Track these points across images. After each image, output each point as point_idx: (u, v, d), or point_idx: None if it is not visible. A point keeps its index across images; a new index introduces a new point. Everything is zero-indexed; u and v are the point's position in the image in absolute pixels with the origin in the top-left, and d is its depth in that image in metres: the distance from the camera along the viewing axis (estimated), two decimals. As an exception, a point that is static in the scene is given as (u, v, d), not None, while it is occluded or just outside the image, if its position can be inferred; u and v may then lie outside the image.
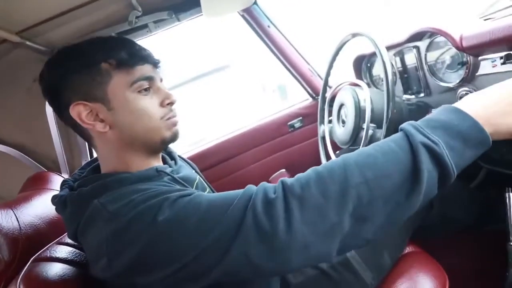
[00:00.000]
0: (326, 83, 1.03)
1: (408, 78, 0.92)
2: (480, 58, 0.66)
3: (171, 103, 0.56)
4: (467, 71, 0.68)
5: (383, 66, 0.67)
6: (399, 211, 0.40)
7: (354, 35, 0.79)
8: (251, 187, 0.44)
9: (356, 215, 0.39)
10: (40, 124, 0.88)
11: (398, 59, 0.91)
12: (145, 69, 0.53)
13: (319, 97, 1.07)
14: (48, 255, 0.57)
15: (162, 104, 0.55)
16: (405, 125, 0.42)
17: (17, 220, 0.57)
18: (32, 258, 0.55)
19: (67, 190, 0.54)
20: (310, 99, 1.37)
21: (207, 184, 0.73)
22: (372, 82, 1.12)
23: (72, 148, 0.98)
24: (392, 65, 0.92)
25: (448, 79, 0.76)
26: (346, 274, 0.67)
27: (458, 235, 0.85)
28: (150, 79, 0.54)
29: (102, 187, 0.49)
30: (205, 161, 1.30)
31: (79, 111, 0.51)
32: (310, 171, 0.43)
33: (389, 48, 0.89)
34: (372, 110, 0.77)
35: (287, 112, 1.37)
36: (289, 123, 1.36)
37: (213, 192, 0.74)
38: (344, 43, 0.88)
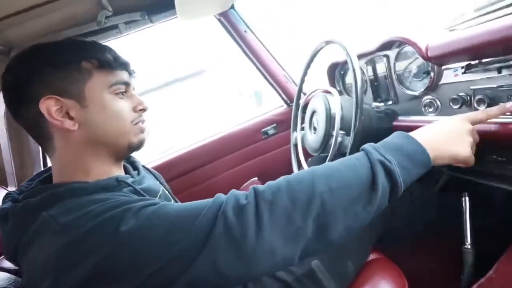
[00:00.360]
0: (300, 90, 1.04)
1: (378, 86, 0.95)
2: (443, 67, 0.69)
3: (143, 110, 0.58)
4: (431, 80, 0.72)
5: (353, 73, 0.68)
6: (356, 219, 0.45)
7: (328, 43, 0.80)
8: (220, 196, 0.45)
9: (319, 221, 0.43)
10: None
11: (370, 67, 0.94)
12: (123, 75, 0.56)
13: (293, 104, 1.07)
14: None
15: (134, 109, 0.57)
16: (366, 145, 0.49)
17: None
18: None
19: (10, 203, 0.49)
20: (285, 106, 1.38)
21: (171, 196, 0.70)
22: (345, 90, 1.15)
23: (24, 157, 0.88)
24: (363, 72, 0.95)
25: (414, 87, 0.79)
26: (310, 285, 0.65)
27: (420, 241, 0.87)
28: (126, 84, 0.56)
29: (53, 197, 0.46)
30: (173, 170, 1.25)
31: (48, 106, 0.49)
32: (281, 179, 0.46)
33: (360, 56, 0.92)
34: (342, 118, 0.78)
35: (261, 119, 1.37)
36: (262, 130, 1.36)
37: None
38: (318, 51, 0.89)
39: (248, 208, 0.42)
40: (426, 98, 0.75)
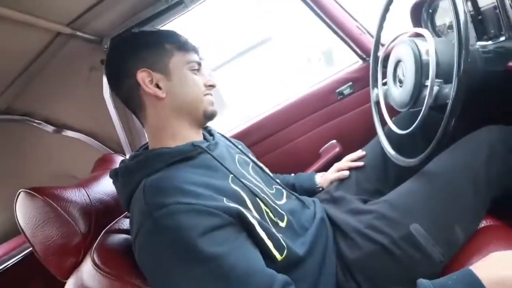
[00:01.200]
0: (378, 40, 0.91)
1: (482, 21, 0.76)
2: None
3: (212, 85, 0.69)
4: None
5: (453, 3, 0.55)
6: None
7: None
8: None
9: None
10: (101, 109, 0.97)
11: (469, 2, 0.76)
12: (195, 56, 0.67)
13: (371, 58, 0.96)
14: (117, 228, 0.63)
15: (205, 84, 0.67)
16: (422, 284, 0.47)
17: (88, 197, 0.64)
18: (104, 230, 0.61)
19: (121, 165, 0.62)
20: (360, 62, 1.25)
21: (253, 162, 0.76)
22: (436, 33, 0.96)
23: (132, 130, 1.06)
24: (465, 2, 0.76)
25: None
26: (411, 250, 0.60)
27: None
28: (199, 64, 0.68)
29: (144, 161, 0.58)
30: (253, 136, 1.28)
31: (143, 77, 0.61)
32: None
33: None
34: (438, 63, 0.65)
35: (335, 79, 1.26)
36: (337, 90, 1.26)
37: (259, 166, 0.76)
38: None
39: None
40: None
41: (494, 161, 0.63)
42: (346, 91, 1.26)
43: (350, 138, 1.26)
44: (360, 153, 0.92)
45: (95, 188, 0.68)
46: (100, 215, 0.64)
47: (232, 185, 0.58)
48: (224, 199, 0.53)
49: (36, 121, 0.95)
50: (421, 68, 0.70)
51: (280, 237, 0.57)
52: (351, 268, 0.63)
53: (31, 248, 0.60)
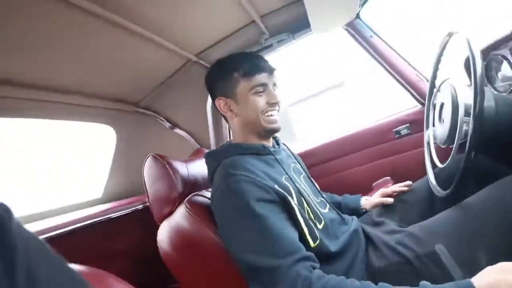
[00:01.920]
0: (432, 86, 1.02)
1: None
2: None
3: (274, 103, 0.80)
4: None
5: (472, 61, 0.67)
6: None
7: (450, 35, 0.82)
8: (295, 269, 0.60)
9: None
10: (202, 117, 1.32)
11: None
12: (261, 77, 0.79)
13: (426, 100, 1.06)
14: (200, 194, 0.88)
15: (267, 103, 0.80)
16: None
17: (187, 170, 0.92)
18: (191, 194, 0.87)
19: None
20: (419, 106, 1.35)
21: (307, 174, 0.91)
22: (489, 81, 1.04)
23: (219, 134, 1.38)
24: (507, 59, 0.86)
25: None
26: (432, 267, 0.64)
27: None
28: (264, 85, 0.79)
29: (226, 148, 0.81)
30: (312, 158, 1.45)
31: (220, 103, 0.83)
32: None
33: (496, 44, 0.85)
34: (466, 105, 0.75)
35: (393, 118, 1.38)
36: (395, 129, 1.37)
37: (309, 178, 0.92)
38: (445, 44, 0.90)
39: None
40: None
41: None
42: (403, 132, 1.36)
43: (403, 177, 1.29)
44: (407, 183, 0.99)
45: (192, 167, 0.96)
46: (191, 183, 0.90)
47: (284, 181, 0.74)
48: (276, 185, 0.69)
49: (161, 118, 1.32)
50: (456, 109, 0.79)
51: (315, 229, 0.70)
52: (376, 275, 0.70)
53: (140, 205, 0.89)
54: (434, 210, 0.81)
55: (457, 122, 0.81)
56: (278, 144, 0.91)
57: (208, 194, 0.90)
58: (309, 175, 0.94)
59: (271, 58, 1.29)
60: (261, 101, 0.79)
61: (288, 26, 1.18)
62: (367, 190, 1.35)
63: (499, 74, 1.01)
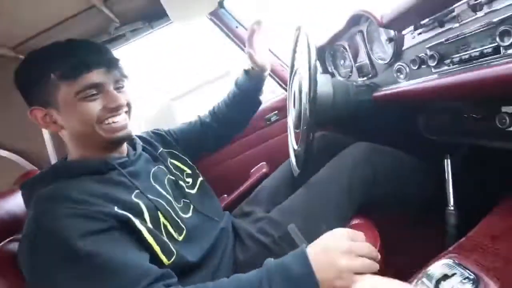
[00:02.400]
0: (291, 75, 1.08)
1: (361, 64, 0.96)
2: (403, 32, 0.70)
3: (115, 108, 0.60)
4: (394, 46, 0.72)
5: (307, 54, 0.70)
6: None
7: (298, 29, 0.84)
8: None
9: None
10: (34, 129, 0.99)
11: (350, 47, 0.96)
12: (91, 77, 0.58)
13: (288, 89, 1.11)
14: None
15: (105, 107, 0.60)
16: (268, 264, 0.52)
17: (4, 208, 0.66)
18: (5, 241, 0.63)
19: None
20: (285, 93, 1.42)
21: (169, 172, 0.77)
22: (337, 70, 1.16)
23: (63, 148, 1.08)
24: (346, 50, 0.96)
25: (385, 56, 0.80)
26: (287, 248, 0.65)
27: (404, 206, 0.84)
28: (97, 86, 0.59)
29: (43, 175, 0.60)
30: None
31: (36, 115, 0.61)
32: None
33: (337, 36, 0.94)
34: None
35: (264, 106, 1.41)
36: (265, 117, 1.41)
37: (197, 172, 0.83)
38: (297, 37, 0.92)
39: None
40: (397, 65, 0.76)
41: (356, 170, 0.75)
42: (273, 118, 1.41)
43: (277, 160, 1.37)
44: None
45: (13, 201, 0.69)
46: (6, 225, 0.65)
47: (134, 199, 0.61)
48: (115, 207, 0.56)
49: None
50: (300, 97, 0.83)
51: (170, 244, 0.61)
52: (241, 269, 0.67)
53: None
54: (296, 190, 0.83)
55: (300, 108, 0.85)
56: (135, 149, 0.74)
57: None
58: (173, 172, 0.79)
59: (124, 50, 1.11)
60: (94, 107, 0.59)
61: (143, 14, 1.01)
62: (246, 178, 1.33)
63: (343, 62, 1.13)
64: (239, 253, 0.72)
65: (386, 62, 0.79)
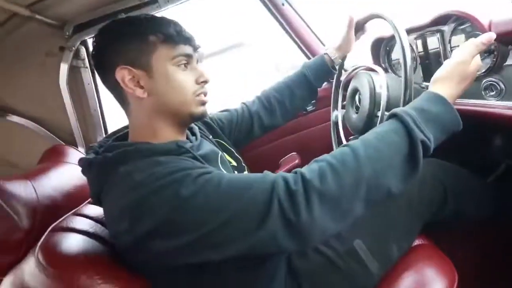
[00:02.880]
0: (341, 67, 0.99)
1: (429, 64, 0.88)
2: (510, 47, 0.62)
3: (205, 82, 0.61)
4: (494, 60, 0.64)
5: (402, 51, 0.63)
6: (398, 190, 0.49)
7: (373, 17, 0.75)
8: (268, 174, 0.50)
9: (367, 200, 0.47)
10: (54, 98, 0.91)
11: (419, 42, 0.86)
12: (186, 48, 0.59)
13: (333, 81, 1.03)
14: (65, 226, 0.60)
15: (197, 81, 0.60)
16: (403, 114, 0.49)
17: (35, 191, 0.60)
18: (49, 228, 0.58)
19: (93, 155, 0.57)
20: (325, 83, 1.33)
21: (235, 158, 0.76)
22: (391, 67, 1.07)
23: (87, 122, 1.01)
24: (413, 49, 0.87)
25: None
26: (353, 263, 0.66)
27: (471, 231, 0.83)
28: (189, 56, 0.59)
29: (124, 154, 0.53)
30: None
31: (123, 75, 0.56)
32: (324, 163, 0.48)
33: (410, 31, 0.84)
34: (388, 97, 0.74)
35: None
36: (301, 106, 1.33)
37: (243, 165, 0.78)
38: (367, 21, 0.83)
39: (298, 194, 0.45)
40: (487, 80, 0.68)
41: (425, 190, 0.73)
42: (309, 108, 1.33)
43: (309, 152, 1.32)
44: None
45: (43, 182, 0.64)
46: (47, 211, 0.60)
47: None
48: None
49: None
50: (374, 100, 0.78)
51: None
52: (299, 276, 0.66)
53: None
54: None
55: (375, 114, 0.79)
56: (194, 134, 0.69)
57: (80, 221, 0.62)
58: (235, 151, 0.80)
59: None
60: (188, 77, 0.59)
61: None
62: (275, 167, 1.29)
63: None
64: (295, 259, 0.69)
65: (474, 74, 0.71)
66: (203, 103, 0.61)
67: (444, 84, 0.54)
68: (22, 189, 0.58)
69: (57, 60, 0.86)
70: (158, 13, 0.96)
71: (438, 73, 0.57)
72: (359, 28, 0.86)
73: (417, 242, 0.73)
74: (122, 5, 0.83)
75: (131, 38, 0.56)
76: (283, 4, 1.14)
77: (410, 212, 0.71)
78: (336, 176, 0.46)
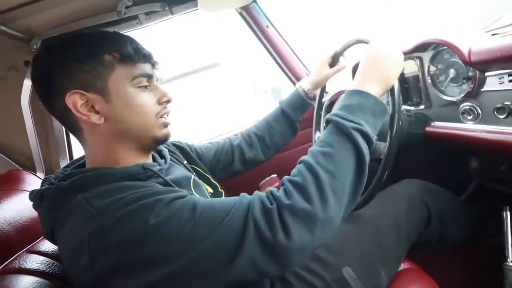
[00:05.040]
0: (323, 89, 0.99)
1: (408, 88, 0.90)
2: (486, 74, 0.64)
3: (168, 101, 0.58)
4: (472, 86, 0.67)
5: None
6: (360, 184, 0.49)
7: (359, 41, 0.76)
8: (245, 196, 0.48)
9: (338, 204, 0.46)
10: (14, 117, 0.81)
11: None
12: (146, 67, 0.55)
13: (315, 102, 1.03)
14: (17, 266, 0.51)
15: (159, 102, 0.56)
16: (331, 117, 0.52)
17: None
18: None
19: (47, 186, 0.51)
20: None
21: (211, 184, 0.73)
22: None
23: (49, 145, 0.91)
24: (403, 74, 0.89)
25: (451, 93, 0.74)
26: None
27: (454, 251, 0.83)
28: (149, 76, 0.55)
29: (82, 181, 0.48)
30: None
31: (74, 100, 0.49)
32: (285, 181, 0.48)
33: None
34: None
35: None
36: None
37: (220, 191, 0.74)
38: (346, 48, 0.84)
39: (273, 214, 0.44)
40: (465, 105, 0.70)
41: (412, 211, 0.72)
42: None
43: (289, 173, 1.31)
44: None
45: None
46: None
47: None
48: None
49: None
50: None
51: None
52: None
53: None
54: None
55: None
56: (163, 157, 0.64)
57: (34, 260, 0.53)
58: (211, 177, 0.76)
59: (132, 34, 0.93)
60: (149, 99, 0.55)
61: None
62: (254, 190, 1.27)
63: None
64: None
65: (453, 99, 0.73)
66: (166, 125, 0.58)
67: (359, 81, 0.57)
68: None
69: (21, 75, 0.78)
70: (133, 31, 0.93)
71: (357, 72, 0.59)
72: (336, 61, 0.88)
73: (403, 266, 0.71)
74: (98, 20, 0.77)
75: (84, 60, 0.50)
76: (267, 26, 1.15)
77: (399, 236, 0.70)
78: (299, 189, 0.45)
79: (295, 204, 0.44)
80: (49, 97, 0.52)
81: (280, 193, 0.46)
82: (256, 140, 0.89)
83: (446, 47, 0.70)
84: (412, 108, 0.89)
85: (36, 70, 0.53)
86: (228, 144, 0.88)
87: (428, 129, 0.81)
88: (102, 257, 0.41)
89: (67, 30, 0.74)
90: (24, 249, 0.56)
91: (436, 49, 0.75)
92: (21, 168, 0.84)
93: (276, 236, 0.42)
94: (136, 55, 0.53)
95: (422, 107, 0.85)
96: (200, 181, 0.69)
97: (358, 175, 0.49)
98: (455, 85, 0.73)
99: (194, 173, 0.71)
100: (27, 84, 0.79)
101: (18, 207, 0.60)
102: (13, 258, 0.53)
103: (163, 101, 0.56)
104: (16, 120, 0.81)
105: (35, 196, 0.51)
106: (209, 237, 0.42)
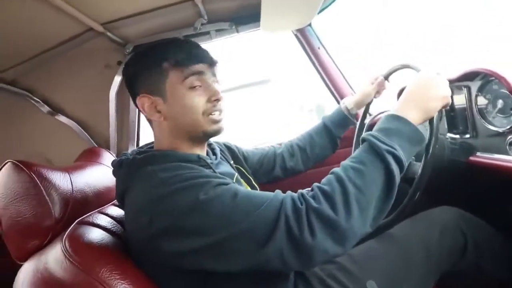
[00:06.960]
0: (366, 110, 1.03)
1: (454, 117, 0.90)
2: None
3: (217, 100, 0.64)
4: (520, 117, 0.66)
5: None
6: (387, 203, 0.52)
7: (408, 67, 0.79)
8: (279, 192, 0.53)
9: (363, 217, 0.49)
10: (102, 106, 1.00)
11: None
12: (198, 67, 0.62)
13: (358, 122, 1.07)
14: (91, 221, 0.63)
15: (209, 100, 0.63)
16: (367, 136, 0.54)
17: (72, 184, 0.64)
18: (77, 220, 0.61)
19: (124, 157, 0.63)
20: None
21: (252, 186, 0.79)
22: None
23: (123, 132, 1.09)
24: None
25: (499, 123, 0.74)
26: None
27: (487, 286, 0.79)
28: (200, 74, 0.62)
29: (152, 157, 0.59)
30: None
31: (143, 102, 0.63)
32: (315, 188, 0.52)
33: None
34: None
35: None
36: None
37: (254, 188, 0.80)
38: (392, 72, 0.88)
39: (303, 213, 0.48)
40: (512, 137, 0.69)
41: (446, 237, 0.71)
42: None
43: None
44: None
45: (80, 177, 0.69)
46: (77, 204, 0.64)
47: None
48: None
49: (35, 98, 0.96)
50: None
51: None
52: None
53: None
54: None
55: None
56: (215, 154, 0.74)
57: (104, 219, 0.65)
58: (253, 180, 0.83)
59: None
60: (200, 99, 0.62)
61: (232, 15, 0.98)
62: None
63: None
64: None
65: (500, 130, 0.73)
66: (215, 121, 0.64)
67: (401, 107, 0.59)
68: (61, 180, 0.62)
69: (113, 72, 0.97)
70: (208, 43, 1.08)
71: (401, 98, 0.61)
72: (380, 84, 0.93)
73: (432, 292, 0.69)
74: (178, 33, 0.94)
75: (150, 67, 0.62)
76: (318, 48, 1.24)
77: (428, 259, 0.69)
78: (326, 196, 0.49)
79: (322, 209, 0.48)
80: (132, 93, 0.66)
81: (309, 196, 0.50)
82: (298, 150, 0.95)
83: (494, 78, 0.70)
84: (458, 136, 0.88)
85: (125, 75, 0.67)
86: (272, 152, 0.95)
87: (472, 158, 0.80)
88: (158, 219, 0.50)
89: (155, 40, 0.91)
90: (96, 210, 0.69)
91: (484, 79, 0.76)
92: (98, 147, 1.02)
93: (303, 234, 0.47)
94: (187, 58, 0.62)
95: (467, 136, 0.84)
96: (242, 180, 0.77)
97: (385, 193, 0.51)
98: (503, 116, 0.72)
99: (238, 173, 0.79)
100: (117, 80, 0.97)
101: (97, 176, 0.75)
102: (88, 214, 0.66)
103: (213, 99, 0.63)
104: (103, 108, 1.00)
105: (116, 164, 0.63)
106: (244, 221, 0.48)
